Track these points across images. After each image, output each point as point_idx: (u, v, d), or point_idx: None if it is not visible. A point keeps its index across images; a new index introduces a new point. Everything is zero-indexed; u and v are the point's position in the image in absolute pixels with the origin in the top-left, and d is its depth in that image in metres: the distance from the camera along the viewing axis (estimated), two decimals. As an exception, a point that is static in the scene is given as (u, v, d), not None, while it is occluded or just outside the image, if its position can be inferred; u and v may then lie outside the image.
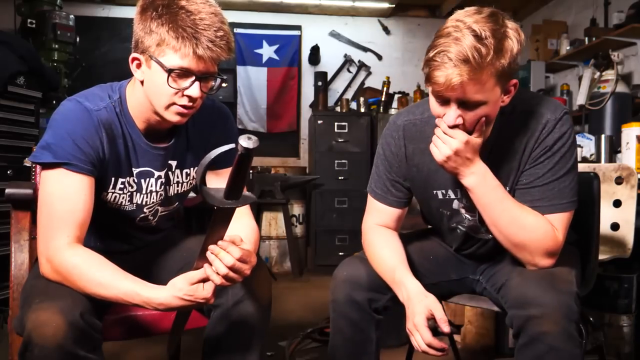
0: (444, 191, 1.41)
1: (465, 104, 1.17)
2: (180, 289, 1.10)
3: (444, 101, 1.19)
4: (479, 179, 1.25)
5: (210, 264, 1.10)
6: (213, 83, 1.24)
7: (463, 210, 1.42)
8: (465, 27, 1.12)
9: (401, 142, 1.43)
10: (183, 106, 1.20)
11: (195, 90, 1.18)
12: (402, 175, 1.45)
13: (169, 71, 1.15)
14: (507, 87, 1.21)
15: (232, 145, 0.97)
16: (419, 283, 1.30)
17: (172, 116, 1.22)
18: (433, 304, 1.24)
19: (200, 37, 1.13)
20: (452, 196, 1.41)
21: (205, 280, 1.11)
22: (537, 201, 1.28)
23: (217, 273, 1.09)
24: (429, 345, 1.20)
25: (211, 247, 1.10)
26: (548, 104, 1.31)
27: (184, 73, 1.17)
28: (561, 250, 1.32)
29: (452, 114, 1.18)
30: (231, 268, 1.09)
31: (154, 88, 1.20)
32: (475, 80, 1.12)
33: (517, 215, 1.25)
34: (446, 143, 1.21)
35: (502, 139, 1.31)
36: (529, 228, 1.25)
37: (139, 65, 1.21)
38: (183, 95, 1.19)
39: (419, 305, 1.24)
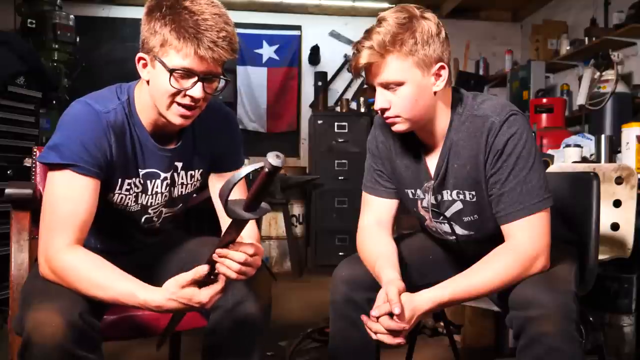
0: (412, 190, 1.43)
1: (387, 87, 1.26)
2: (172, 292, 1.10)
3: (374, 90, 1.29)
4: (434, 306, 1.20)
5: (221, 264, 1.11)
6: (217, 84, 1.24)
7: (423, 212, 1.43)
8: (376, 20, 1.24)
9: (380, 138, 1.47)
10: (185, 106, 1.20)
11: (197, 91, 1.19)
12: (384, 168, 1.47)
13: (171, 71, 1.16)
14: (432, 70, 1.25)
15: (262, 164, 0.96)
16: (394, 273, 1.25)
17: (174, 117, 1.22)
18: (389, 288, 1.19)
19: (202, 37, 1.13)
20: (421, 196, 1.41)
21: (197, 281, 1.10)
22: (509, 207, 1.25)
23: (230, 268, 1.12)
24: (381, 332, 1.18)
25: (220, 250, 1.11)
26: (494, 106, 1.29)
27: (186, 73, 1.17)
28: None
29: (378, 97, 1.28)
30: (243, 263, 1.12)
31: (157, 87, 1.20)
32: (381, 62, 1.22)
33: (485, 278, 1.22)
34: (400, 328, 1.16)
35: (457, 145, 1.32)
36: (502, 272, 1.21)
37: (145, 65, 1.22)
38: (185, 95, 1.19)
39: (380, 295, 1.21)
